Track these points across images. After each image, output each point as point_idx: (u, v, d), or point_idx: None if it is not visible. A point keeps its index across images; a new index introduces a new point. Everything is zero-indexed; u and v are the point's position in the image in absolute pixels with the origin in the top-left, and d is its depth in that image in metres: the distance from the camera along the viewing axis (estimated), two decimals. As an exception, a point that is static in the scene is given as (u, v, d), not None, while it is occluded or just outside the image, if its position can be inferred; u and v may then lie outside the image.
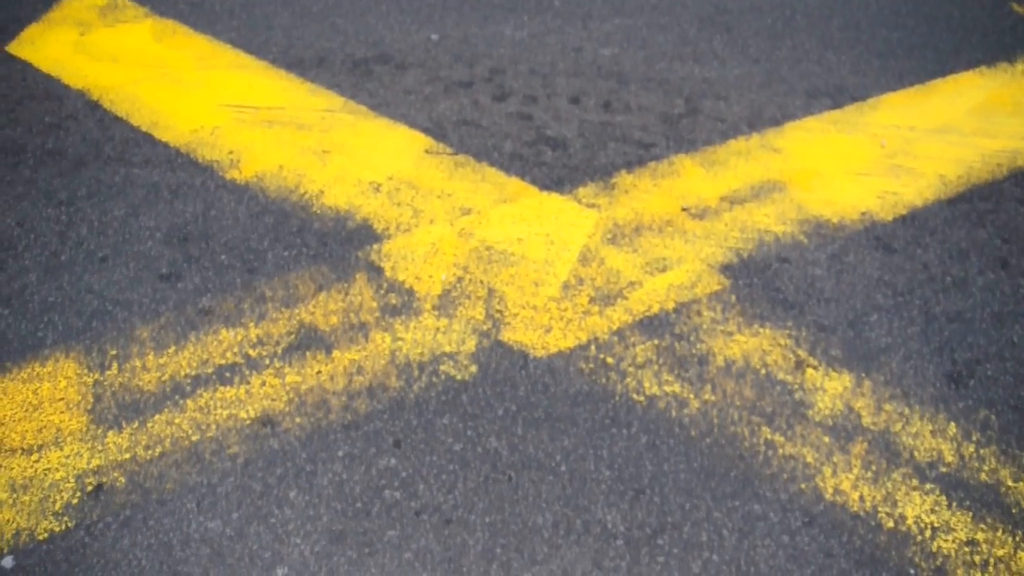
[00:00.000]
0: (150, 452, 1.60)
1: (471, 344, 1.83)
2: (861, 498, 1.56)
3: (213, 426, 1.65)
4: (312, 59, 2.92)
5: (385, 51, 2.98)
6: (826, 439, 1.66)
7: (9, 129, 2.56)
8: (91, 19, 3.22)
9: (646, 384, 1.76)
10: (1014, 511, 1.55)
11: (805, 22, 3.30)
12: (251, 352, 1.81)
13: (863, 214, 2.26)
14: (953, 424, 1.70)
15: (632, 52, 3.02)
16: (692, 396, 1.74)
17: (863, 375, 1.80)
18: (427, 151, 2.47)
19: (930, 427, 1.69)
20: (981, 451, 1.65)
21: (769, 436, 1.66)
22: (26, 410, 1.68)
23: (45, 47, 3.03)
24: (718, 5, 3.37)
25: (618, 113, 2.67)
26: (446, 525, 1.49)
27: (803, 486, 1.57)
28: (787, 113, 2.70)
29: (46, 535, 1.46)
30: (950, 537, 1.50)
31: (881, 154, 2.51)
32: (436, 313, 1.91)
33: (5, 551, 1.44)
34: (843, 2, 3.48)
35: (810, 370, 1.81)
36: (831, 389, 1.76)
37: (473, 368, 1.78)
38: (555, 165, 2.42)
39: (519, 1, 3.32)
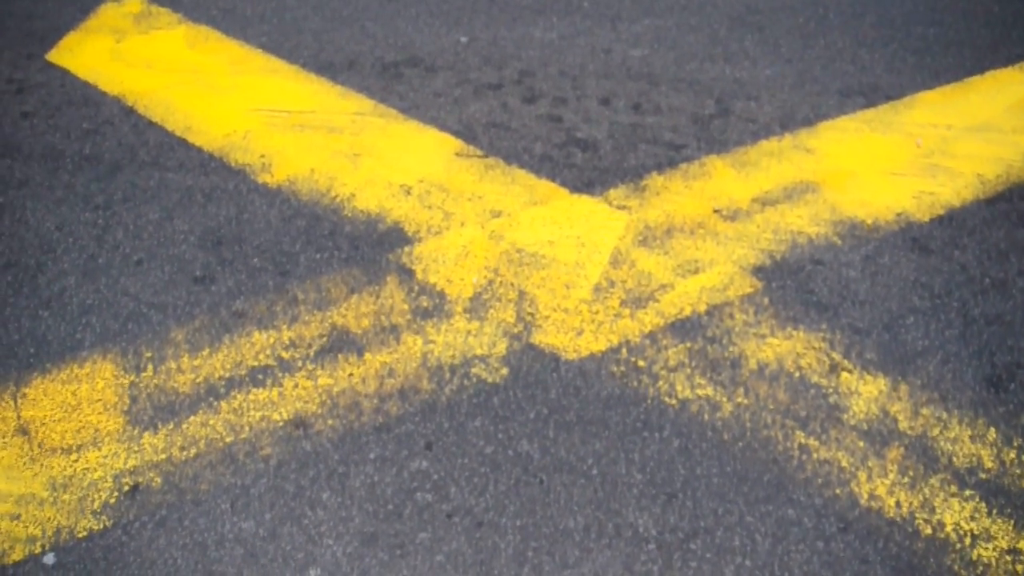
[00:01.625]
0: (185, 453, 1.62)
1: (502, 347, 1.83)
2: (898, 504, 1.53)
3: (246, 428, 1.67)
4: (342, 62, 2.95)
5: (415, 54, 3.00)
6: (861, 444, 1.63)
7: (49, 135, 2.61)
8: (126, 27, 3.27)
9: (678, 387, 1.75)
10: (1058, 519, 1.51)
11: (838, 20, 3.26)
12: (284, 354, 1.83)
13: (899, 215, 2.23)
14: (993, 429, 1.66)
15: (662, 53, 3.00)
16: (725, 399, 1.72)
17: (899, 379, 1.77)
18: (457, 154, 2.47)
19: (969, 432, 1.66)
20: (1022, 457, 1.61)
21: (803, 440, 1.64)
22: (65, 411, 1.72)
23: (82, 55, 3.09)
24: (749, 5, 3.34)
25: (648, 114, 2.66)
26: (477, 528, 1.49)
27: (838, 491, 1.55)
28: (820, 113, 2.67)
29: (85, 533, 1.49)
30: (990, 545, 1.47)
31: (917, 153, 2.47)
32: (467, 316, 1.91)
33: (47, 548, 1.47)
34: (877, -1, 3.43)
35: (845, 373, 1.78)
36: (866, 393, 1.74)
37: (504, 371, 1.78)
38: (585, 167, 2.41)
39: (548, 2, 3.32)
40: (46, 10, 3.42)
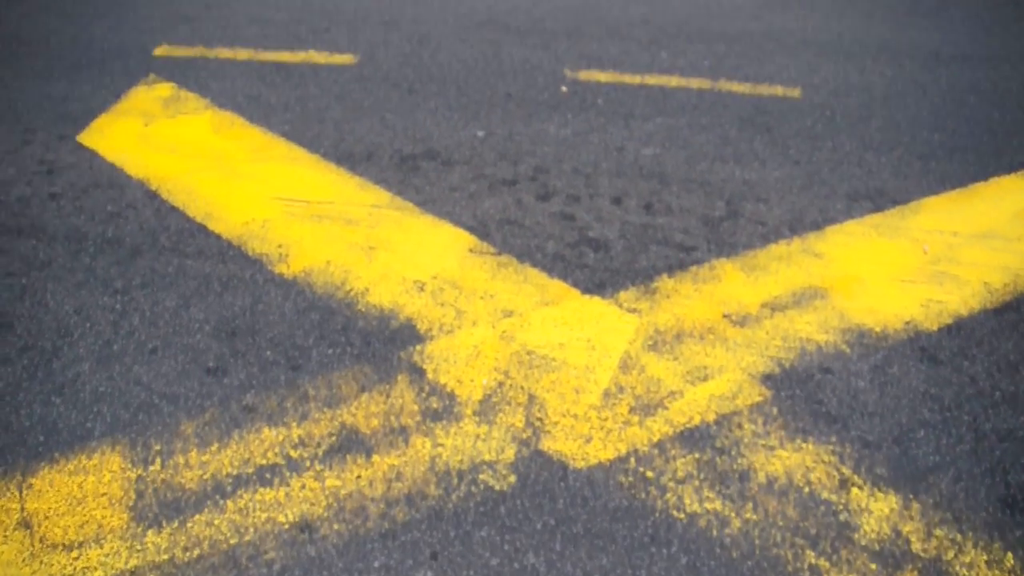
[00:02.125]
0: (188, 554, 1.61)
1: (510, 453, 1.83)
2: (912, 633, 1.49)
3: (251, 529, 1.65)
4: (361, 153, 3.03)
5: (432, 147, 3.08)
6: (873, 566, 1.61)
7: (74, 217, 2.67)
8: (155, 110, 3.39)
9: (686, 500, 1.73)
10: (1076, 655, 1.47)
11: (845, 123, 3.34)
12: (292, 453, 1.83)
13: (907, 323, 2.24)
14: (1010, 555, 1.63)
15: (673, 152, 3.08)
16: (733, 514, 1.70)
17: (911, 496, 1.75)
18: (471, 250, 2.52)
19: (985, 556, 1.63)
20: (1039, 586, 1.58)
21: (813, 560, 1.62)
22: (70, 504, 1.71)
23: (112, 137, 3.19)
24: (758, 105, 3.44)
25: (659, 215, 2.71)
26: (481, 645, 1.46)
27: (850, 617, 1.52)
28: (828, 217, 2.71)
29: (82, 638, 1.46)
30: None
31: (924, 260, 2.49)
32: (476, 419, 1.91)
33: (42, 654, 1.44)
34: (883, 103, 3.53)
35: (855, 489, 1.76)
36: (877, 511, 1.72)
37: (512, 478, 1.77)
38: (597, 268, 2.45)
39: (563, 99, 3.43)
40: (81, 92, 3.55)
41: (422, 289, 2.34)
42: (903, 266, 2.46)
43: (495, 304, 2.28)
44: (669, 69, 3.70)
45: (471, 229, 2.60)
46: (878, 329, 2.21)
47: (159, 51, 3.89)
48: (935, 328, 2.23)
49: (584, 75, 3.62)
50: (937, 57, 3.95)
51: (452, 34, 3.99)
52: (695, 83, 3.59)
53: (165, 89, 3.57)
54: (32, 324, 2.21)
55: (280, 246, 2.52)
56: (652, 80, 3.60)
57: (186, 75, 3.67)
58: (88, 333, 2.18)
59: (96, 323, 2.21)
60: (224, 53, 3.83)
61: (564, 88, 3.50)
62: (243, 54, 3.82)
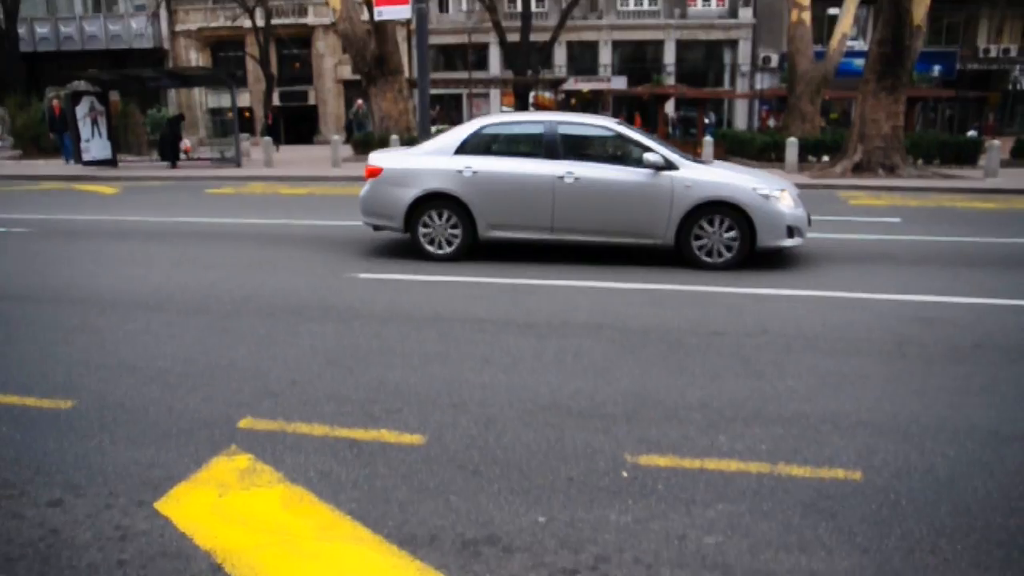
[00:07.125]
0: None
1: None
2: None
3: None
4: (424, 536, 3.07)
5: (494, 532, 3.11)
6: None
7: (137, 591, 2.70)
8: (231, 481, 3.57)
9: None
10: None
11: (912, 508, 3.28)
12: None
13: None
14: None
15: (736, 541, 3.03)
16: None
17: None
18: (530, 649, 2.41)
19: None
20: None
21: None
22: None
23: (187, 505, 3.33)
24: (820, 489, 3.43)
25: (727, 613, 2.59)
26: None
27: None
28: (911, 620, 2.55)
29: None
30: None
31: None
32: None
33: None
34: (949, 486, 3.47)
35: None
36: None
37: None
38: (663, 676, 2.30)
39: (623, 484, 3.50)
40: (167, 459, 3.78)
41: None
42: None
43: None
44: (728, 453, 3.79)
45: (531, 624, 2.52)
46: None
47: (243, 423, 4.18)
48: None
49: (644, 460, 3.72)
50: (997, 436, 3.97)
51: (517, 417, 4.24)
52: (754, 467, 3.64)
53: (243, 460, 3.78)
54: None
55: (335, 637, 2.46)
56: (712, 464, 3.67)
57: (264, 447, 3.90)
58: None
59: None
60: (302, 428, 4.11)
61: (625, 473, 3.59)
62: (319, 430, 4.09)
